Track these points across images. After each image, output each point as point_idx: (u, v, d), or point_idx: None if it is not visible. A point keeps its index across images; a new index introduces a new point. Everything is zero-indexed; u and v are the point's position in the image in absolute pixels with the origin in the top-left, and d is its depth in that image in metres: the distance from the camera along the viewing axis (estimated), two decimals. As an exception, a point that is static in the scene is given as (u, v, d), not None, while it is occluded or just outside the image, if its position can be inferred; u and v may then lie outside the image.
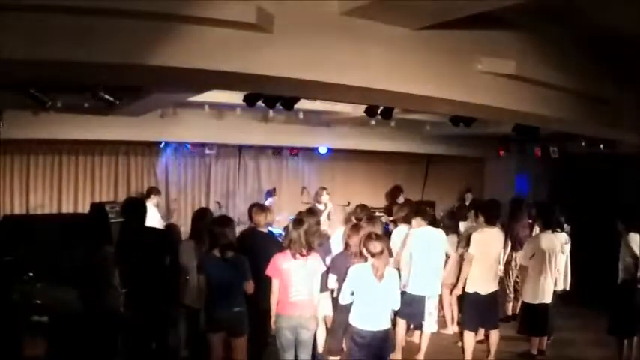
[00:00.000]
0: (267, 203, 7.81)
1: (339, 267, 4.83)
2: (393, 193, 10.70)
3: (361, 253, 4.53)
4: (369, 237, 4.47)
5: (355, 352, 4.46)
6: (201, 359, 4.97)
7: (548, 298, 5.82)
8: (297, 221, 4.74)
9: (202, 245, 4.90)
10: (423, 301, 5.65)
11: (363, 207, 6.02)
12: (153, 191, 8.11)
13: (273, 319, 4.63)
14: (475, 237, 5.65)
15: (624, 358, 5.74)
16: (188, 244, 5.04)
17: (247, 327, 4.60)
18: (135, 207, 4.99)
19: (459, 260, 6.15)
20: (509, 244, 6.89)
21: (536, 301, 5.77)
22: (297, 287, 4.54)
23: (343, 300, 4.51)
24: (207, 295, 4.52)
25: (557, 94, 5.06)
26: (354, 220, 5.71)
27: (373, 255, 4.36)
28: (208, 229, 4.66)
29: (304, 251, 4.55)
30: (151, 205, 7.36)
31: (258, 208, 5.39)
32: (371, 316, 4.41)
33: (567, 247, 6.19)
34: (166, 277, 4.82)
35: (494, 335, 5.71)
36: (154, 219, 6.71)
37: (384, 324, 4.46)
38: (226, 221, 4.68)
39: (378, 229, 5.40)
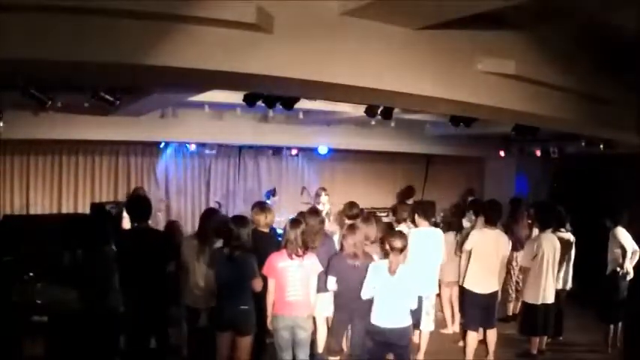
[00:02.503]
0: (269, 203, 7.82)
1: (336, 268, 4.83)
2: (405, 194, 10.66)
3: (383, 248, 4.65)
4: (392, 233, 4.65)
5: (374, 351, 4.49)
6: (202, 359, 4.97)
7: (549, 299, 5.84)
8: (295, 221, 4.75)
9: (205, 243, 4.90)
10: (420, 300, 5.65)
11: (351, 204, 5.98)
12: (139, 191, 8.09)
13: (269, 319, 4.63)
14: (473, 235, 5.66)
15: (610, 344, 6.10)
16: (191, 242, 5.03)
17: (254, 326, 4.61)
18: (140, 206, 4.96)
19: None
20: (510, 244, 6.88)
21: (538, 302, 5.78)
22: (294, 287, 4.55)
23: (364, 295, 4.59)
24: (217, 293, 4.56)
25: (557, 94, 5.06)
26: (345, 219, 5.70)
27: (392, 249, 4.47)
28: (226, 226, 4.67)
29: (300, 251, 4.56)
30: None
31: (258, 208, 5.38)
32: (390, 313, 4.49)
33: (572, 246, 6.22)
34: (167, 277, 4.80)
35: (492, 335, 5.72)
36: None
37: (402, 321, 4.51)
38: (244, 222, 4.69)
39: (373, 230, 5.39)
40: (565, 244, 6.12)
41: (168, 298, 4.83)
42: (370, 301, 4.96)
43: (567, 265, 6.34)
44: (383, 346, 4.50)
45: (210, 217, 5.23)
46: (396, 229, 6.27)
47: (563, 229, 6.17)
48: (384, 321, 4.49)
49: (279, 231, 6.57)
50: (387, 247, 4.53)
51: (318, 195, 8.51)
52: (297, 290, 4.55)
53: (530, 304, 5.85)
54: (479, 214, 6.04)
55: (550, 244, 5.82)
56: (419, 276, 5.61)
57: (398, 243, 4.50)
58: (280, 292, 4.55)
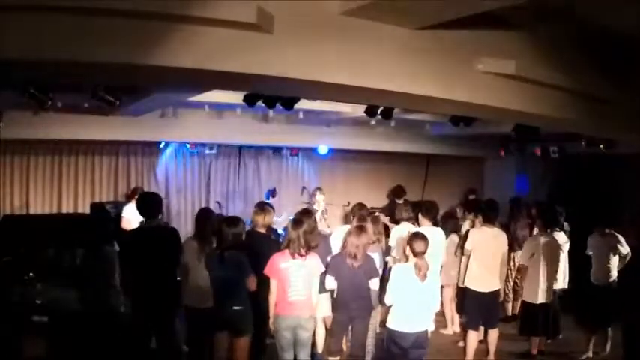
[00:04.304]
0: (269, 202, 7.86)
1: (336, 268, 4.83)
2: (396, 193, 10.68)
3: (404, 253, 4.58)
4: (414, 236, 4.50)
5: (395, 356, 4.41)
6: (201, 359, 4.97)
7: (547, 298, 5.84)
8: (297, 221, 4.74)
9: (206, 244, 4.89)
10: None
11: (361, 206, 6.00)
12: (137, 191, 8.10)
13: (271, 319, 4.62)
14: (473, 235, 5.68)
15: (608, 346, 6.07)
16: (191, 244, 5.03)
17: (251, 326, 4.60)
18: (151, 203, 4.91)
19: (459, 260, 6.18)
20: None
21: (537, 301, 5.79)
22: (296, 287, 4.53)
23: (389, 301, 4.48)
24: (213, 294, 4.55)
25: (558, 94, 5.06)
26: (352, 220, 5.70)
27: (416, 254, 4.37)
28: (218, 228, 4.66)
29: (303, 251, 4.55)
30: (134, 205, 7.36)
31: (258, 208, 5.40)
32: (414, 317, 4.39)
33: (566, 246, 6.21)
34: (172, 276, 4.79)
35: (493, 335, 5.72)
36: (138, 219, 6.60)
37: (425, 325, 4.46)
38: (235, 222, 4.70)
39: (380, 230, 5.42)
40: (562, 244, 6.13)
41: (175, 297, 4.81)
42: (370, 301, 4.97)
43: (564, 265, 6.36)
44: (405, 350, 4.38)
45: (208, 217, 5.23)
46: (395, 228, 6.33)
47: (557, 229, 6.17)
48: (409, 326, 4.37)
49: (280, 231, 6.59)
50: (409, 251, 4.43)
51: (313, 195, 8.53)
52: (299, 290, 4.54)
53: (528, 303, 5.85)
54: (477, 214, 6.05)
55: (548, 243, 5.83)
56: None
57: (421, 246, 4.38)
58: (282, 292, 4.53)
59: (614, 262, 6.01)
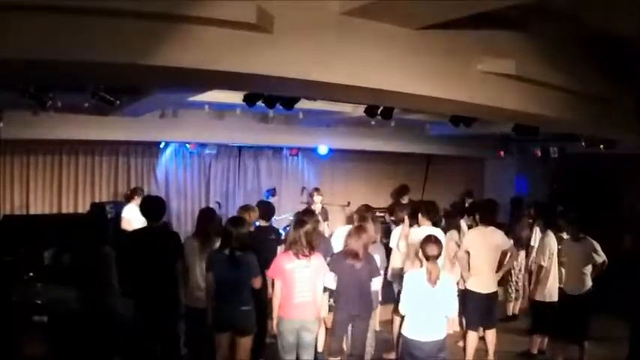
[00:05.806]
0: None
1: (336, 267, 4.82)
2: (400, 192, 10.67)
3: (417, 256, 4.49)
4: (427, 239, 4.32)
5: None
6: (201, 359, 4.97)
7: (556, 297, 5.86)
8: (299, 222, 4.71)
9: (207, 244, 4.89)
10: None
11: (367, 207, 6.01)
12: (137, 192, 8.13)
13: (275, 321, 4.61)
14: (469, 235, 5.68)
15: None
16: (191, 243, 5.03)
17: (255, 326, 4.60)
18: (156, 205, 4.92)
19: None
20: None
21: (552, 300, 5.82)
22: (301, 288, 4.49)
23: (404, 310, 4.31)
24: (215, 294, 4.54)
25: (557, 94, 5.06)
26: (356, 220, 5.70)
27: (428, 258, 4.19)
28: (223, 228, 4.66)
29: (307, 251, 4.53)
30: (135, 205, 7.38)
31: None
32: (429, 324, 4.20)
33: None
34: (173, 277, 4.79)
35: (491, 335, 5.71)
36: (138, 219, 6.63)
37: (441, 332, 4.26)
38: (241, 222, 4.71)
39: (372, 229, 5.40)
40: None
41: (176, 299, 4.81)
42: (371, 301, 4.97)
43: None
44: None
45: (211, 217, 5.24)
46: (395, 228, 6.31)
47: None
48: (424, 335, 4.17)
49: (281, 231, 6.61)
50: (421, 255, 4.26)
51: (311, 196, 8.54)
52: (304, 291, 4.49)
53: (543, 302, 5.84)
54: (475, 214, 6.05)
55: (554, 243, 5.84)
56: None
57: (434, 250, 4.17)
58: (287, 294, 4.48)
59: (589, 269, 5.73)
